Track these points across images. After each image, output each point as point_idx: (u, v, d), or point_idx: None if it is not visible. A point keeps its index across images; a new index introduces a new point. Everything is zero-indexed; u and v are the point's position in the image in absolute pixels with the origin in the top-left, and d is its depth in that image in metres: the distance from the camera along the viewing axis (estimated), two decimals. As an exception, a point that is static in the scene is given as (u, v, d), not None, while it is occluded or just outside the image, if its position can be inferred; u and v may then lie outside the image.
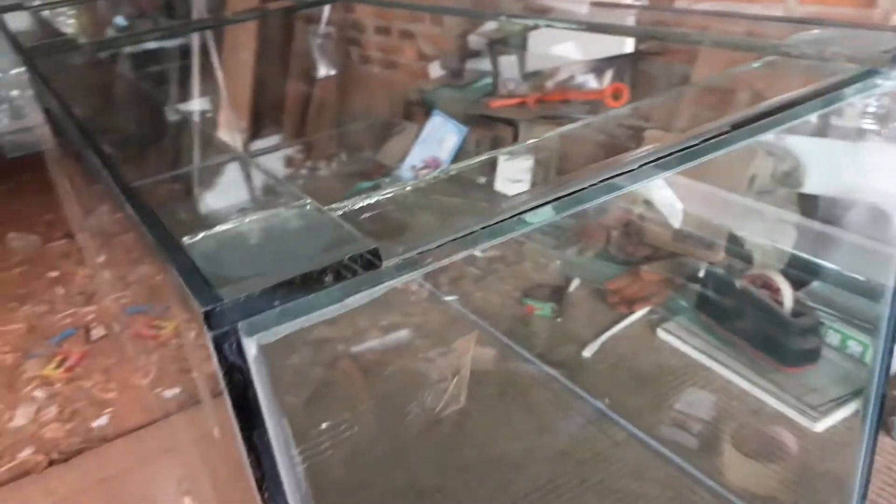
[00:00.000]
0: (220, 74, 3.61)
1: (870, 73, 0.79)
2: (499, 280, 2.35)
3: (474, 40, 3.10)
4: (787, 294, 1.68)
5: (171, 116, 0.94)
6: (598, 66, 2.53)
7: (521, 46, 2.73)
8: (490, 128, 2.85)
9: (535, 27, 2.57)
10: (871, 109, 1.52)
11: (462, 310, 2.21)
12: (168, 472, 1.86)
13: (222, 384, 0.48)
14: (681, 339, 1.87)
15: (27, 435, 2.16)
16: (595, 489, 1.54)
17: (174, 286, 0.50)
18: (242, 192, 0.63)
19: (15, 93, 5.75)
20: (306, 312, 0.48)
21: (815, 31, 0.93)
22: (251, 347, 0.47)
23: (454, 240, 0.53)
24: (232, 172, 0.68)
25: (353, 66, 4.07)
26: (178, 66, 3.92)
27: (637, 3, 2.28)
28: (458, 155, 2.91)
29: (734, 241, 1.99)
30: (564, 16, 1.40)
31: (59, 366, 2.51)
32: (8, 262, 3.48)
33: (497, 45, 2.84)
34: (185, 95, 3.72)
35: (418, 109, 3.35)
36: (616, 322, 2.00)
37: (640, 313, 2.01)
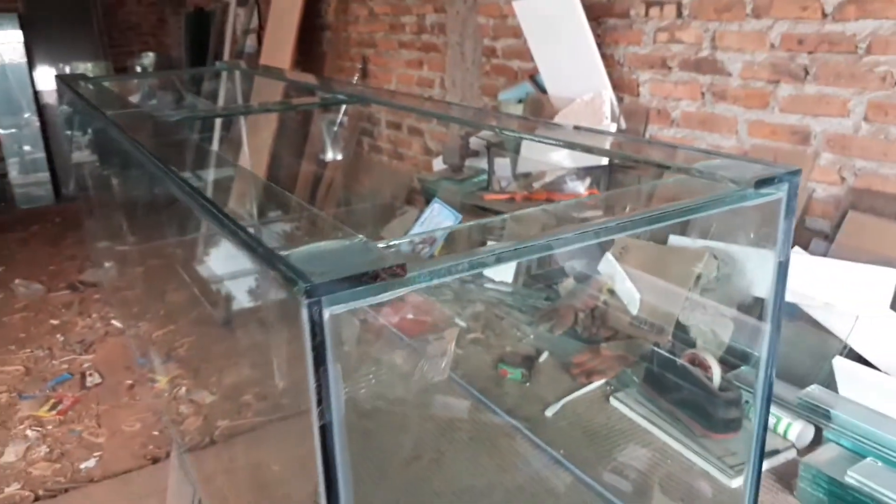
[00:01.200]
0: (244, 148, 3.99)
1: (741, 192, 1.15)
2: (479, 348, 2.66)
3: (475, 141, 3.52)
4: (716, 372, 2.01)
5: (254, 180, 1.29)
6: (579, 174, 2.93)
7: (515, 151, 3.13)
8: (482, 217, 3.22)
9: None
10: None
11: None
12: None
13: (307, 336, 0.80)
14: (628, 407, 2.17)
15: (15, 471, 2.24)
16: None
17: (277, 278, 0.83)
18: (317, 230, 0.97)
19: (27, 148, 6.14)
20: (362, 297, 0.81)
21: (717, 161, 1.30)
22: (326, 314, 0.80)
23: (450, 265, 0.87)
24: (310, 219, 1.02)
25: (364, 154, 4.49)
26: (199, 137, 4.31)
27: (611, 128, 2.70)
28: (452, 238, 3.28)
29: (680, 328, 2.33)
30: (548, 134, 1.78)
31: (52, 408, 2.59)
32: (11, 307, 3.60)
33: (494, 148, 3.24)
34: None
35: (419, 196, 3.74)
36: (576, 389, 2.30)
37: (597, 384, 2.32)
